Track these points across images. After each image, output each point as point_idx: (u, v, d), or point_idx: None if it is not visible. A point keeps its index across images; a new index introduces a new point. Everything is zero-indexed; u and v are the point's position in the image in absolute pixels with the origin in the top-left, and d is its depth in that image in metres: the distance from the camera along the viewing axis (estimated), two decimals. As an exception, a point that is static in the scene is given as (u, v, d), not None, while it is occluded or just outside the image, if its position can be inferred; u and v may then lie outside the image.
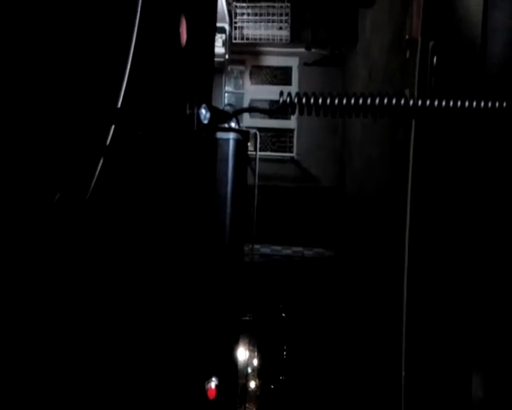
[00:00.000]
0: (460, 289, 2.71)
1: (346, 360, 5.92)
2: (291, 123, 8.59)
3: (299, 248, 7.58)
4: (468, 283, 2.64)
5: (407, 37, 3.72)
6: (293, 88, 8.60)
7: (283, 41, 8.18)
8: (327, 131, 8.15)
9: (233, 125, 1.42)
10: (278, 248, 7.75)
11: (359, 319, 5.60)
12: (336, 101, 1.27)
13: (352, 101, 1.24)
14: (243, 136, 1.38)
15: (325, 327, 6.70)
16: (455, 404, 2.69)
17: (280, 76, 8.78)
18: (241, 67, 8.88)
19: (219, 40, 7.63)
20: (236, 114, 1.41)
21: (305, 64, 8.15)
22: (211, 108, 1.34)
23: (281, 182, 8.08)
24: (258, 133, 1.68)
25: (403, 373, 3.44)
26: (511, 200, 2.41)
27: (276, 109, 1.35)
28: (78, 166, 1.14)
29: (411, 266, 3.46)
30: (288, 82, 8.69)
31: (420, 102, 1.19)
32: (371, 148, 5.54)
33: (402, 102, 1.20)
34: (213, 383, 1.32)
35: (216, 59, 7.90)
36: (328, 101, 1.28)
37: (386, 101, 1.21)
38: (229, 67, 8.49)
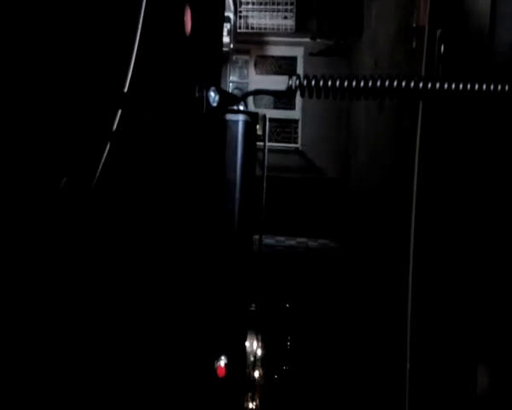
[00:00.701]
0: (466, 280, 2.70)
1: (351, 351, 5.93)
2: (296, 113, 8.55)
3: (304, 239, 7.58)
4: (474, 274, 2.62)
5: (414, 25, 3.68)
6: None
7: (288, 31, 8.13)
8: (332, 122, 8.11)
9: (241, 108, 1.42)
10: (282, 238, 7.75)
11: (364, 311, 5.60)
12: (345, 83, 1.26)
13: (362, 83, 1.22)
14: (252, 118, 1.37)
15: (329, 318, 6.71)
16: (460, 396, 2.68)
17: (285, 66, 8.73)
18: (246, 57, 8.83)
19: (224, 29, 7.59)
20: (245, 96, 1.41)
21: (310, 54, 8.10)
22: (220, 91, 1.34)
23: (285, 173, 8.07)
24: (267, 116, 1.69)
25: (408, 365, 3.43)
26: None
27: (285, 92, 1.34)
28: (85, 152, 1.14)
29: (417, 257, 3.44)
30: (293, 72, 8.64)
31: (429, 85, 1.18)
32: (376, 138, 5.50)
33: (411, 84, 1.19)
34: (223, 362, 1.33)
35: (221, 49, 7.88)
36: (338, 83, 1.26)
37: (395, 83, 1.20)
38: (233, 57, 8.45)
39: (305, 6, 7.85)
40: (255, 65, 8.85)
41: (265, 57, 8.83)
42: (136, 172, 1.32)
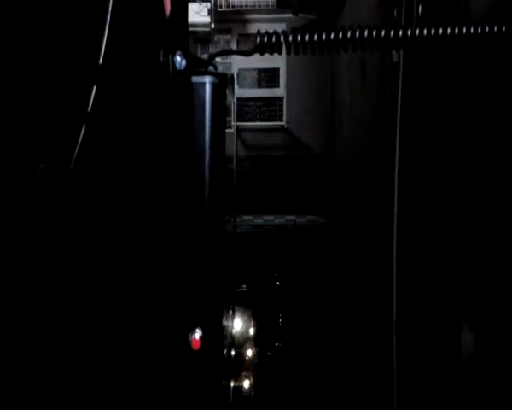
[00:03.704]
0: (449, 245, 2.72)
1: (340, 324, 5.98)
2: (280, 91, 8.49)
3: (292, 217, 7.58)
4: (455, 240, 2.64)
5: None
6: (282, 56, 8.47)
7: (270, 7, 8.03)
8: (317, 97, 8.06)
9: (210, 70, 1.38)
10: (271, 217, 7.74)
11: (352, 284, 5.64)
12: (324, 36, 1.21)
13: (340, 35, 1.18)
14: (220, 79, 1.33)
15: (319, 293, 6.75)
16: (446, 359, 2.72)
17: (267, 43, 8.65)
18: (228, 36, 8.72)
19: (205, 9, 7.47)
20: (212, 58, 1.36)
21: (292, 30, 8.01)
22: (186, 55, 1.30)
23: (271, 151, 8.03)
24: (235, 74, 1.63)
25: (394, 338, 3.47)
26: (500, 165, 2.39)
27: (254, 49, 1.29)
28: (61, 135, 1.10)
29: (400, 227, 3.46)
30: (275, 49, 8.56)
31: (409, 32, 1.15)
32: (360, 111, 5.48)
33: (391, 32, 1.16)
34: (197, 335, 1.31)
35: (202, 29, 7.76)
36: (316, 37, 1.22)
37: (375, 32, 1.16)
38: (215, 37, 8.33)
39: (285, -19, 7.76)
40: (237, 44, 8.74)
41: (248, 35, 8.72)
42: (107, 144, 1.29)
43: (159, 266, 1.48)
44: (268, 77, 8.54)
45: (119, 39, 1.26)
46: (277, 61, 8.34)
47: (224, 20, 8.18)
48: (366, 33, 1.21)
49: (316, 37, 1.18)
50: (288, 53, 1.26)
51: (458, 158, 2.64)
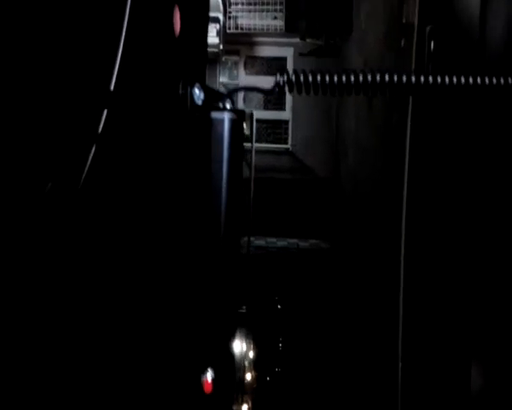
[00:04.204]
0: (458, 279, 2.68)
1: (343, 351, 5.90)
2: (286, 114, 8.53)
3: (295, 240, 7.55)
4: (466, 273, 2.60)
5: (404, 21, 3.66)
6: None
7: (278, 31, 8.11)
8: (322, 122, 8.09)
9: (228, 105, 1.37)
10: (273, 240, 7.71)
11: (356, 311, 5.58)
12: (335, 78, 1.21)
13: (352, 78, 1.18)
14: (238, 116, 1.32)
15: (321, 319, 6.68)
16: (454, 395, 2.66)
17: (275, 66, 8.71)
18: (236, 58, 8.80)
19: (213, 30, 7.55)
20: (231, 93, 1.35)
21: (300, 54, 8.09)
22: (204, 88, 1.29)
23: (276, 174, 8.03)
24: (254, 113, 1.62)
25: (400, 364, 3.41)
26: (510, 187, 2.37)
27: (273, 88, 1.28)
28: (70, 155, 1.09)
29: (408, 256, 3.42)
30: (282, 72, 8.62)
31: (422, 79, 1.14)
32: (366, 137, 5.49)
33: (403, 78, 1.15)
34: (209, 376, 1.26)
35: (210, 49, 7.83)
36: (327, 78, 1.22)
37: (386, 77, 1.16)
38: (223, 58, 8.41)
39: (294, 6, 7.84)
40: (245, 65, 8.82)
41: (255, 58, 8.80)
42: (121, 174, 1.27)
43: (172, 303, 1.44)
44: (274, 99, 8.60)
45: (134, 67, 1.25)
46: (284, 83, 8.38)
47: (233, 41, 8.27)
48: (379, 77, 1.21)
49: (336, 79, 1.18)
50: (307, 93, 1.25)
51: (472, 184, 2.61)
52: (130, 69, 1.21)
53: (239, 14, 8.28)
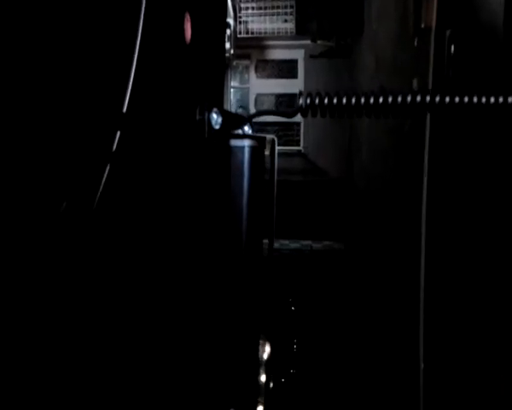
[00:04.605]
0: (482, 278, 2.64)
1: (359, 353, 5.88)
2: (298, 117, 8.53)
3: (308, 242, 7.54)
4: (489, 272, 2.56)
5: (422, 25, 3.59)
6: (299, 81, 8.54)
7: (288, 34, 8.13)
8: (334, 123, 8.09)
9: (247, 129, 1.29)
10: (286, 242, 7.71)
11: (372, 312, 5.55)
12: (362, 100, 1.13)
13: (381, 99, 1.10)
14: (259, 142, 1.24)
15: (336, 320, 6.66)
16: (481, 398, 2.60)
17: (286, 69, 8.73)
18: (247, 62, 8.84)
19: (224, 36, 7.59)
20: (251, 118, 1.27)
21: (310, 56, 8.09)
22: (222, 112, 1.19)
23: (288, 176, 8.04)
24: (275, 139, 1.53)
25: (422, 365, 3.34)
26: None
27: (295, 111, 1.22)
28: (84, 174, 1.07)
29: (429, 256, 3.35)
30: (293, 75, 8.63)
31: (466, 99, 1.07)
32: (379, 136, 5.48)
33: (437, 98, 1.09)
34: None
35: (221, 54, 7.86)
36: (354, 100, 1.14)
37: (418, 98, 1.09)
38: (234, 62, 8.45)
39: (304, 9, 7.86)
40: (256, 69, 8.85)
41: (266, 61, 8.83)
42: (137, 199, 1.21)
43: (193, 336, 1.34)
44: (286, 102, 8.61)
45: (153, 87, 1.20)
46: (294, 86, 8.41)
47: (243, 46, 8.30)
48: (419, 98, 1.12)
49: (363, 101, 1.13)
50: (331, 116, 1.19)
51: (498, 181, 2.54)
52: (144, 90, 1.16)
53: (249, 18, 8.31)
